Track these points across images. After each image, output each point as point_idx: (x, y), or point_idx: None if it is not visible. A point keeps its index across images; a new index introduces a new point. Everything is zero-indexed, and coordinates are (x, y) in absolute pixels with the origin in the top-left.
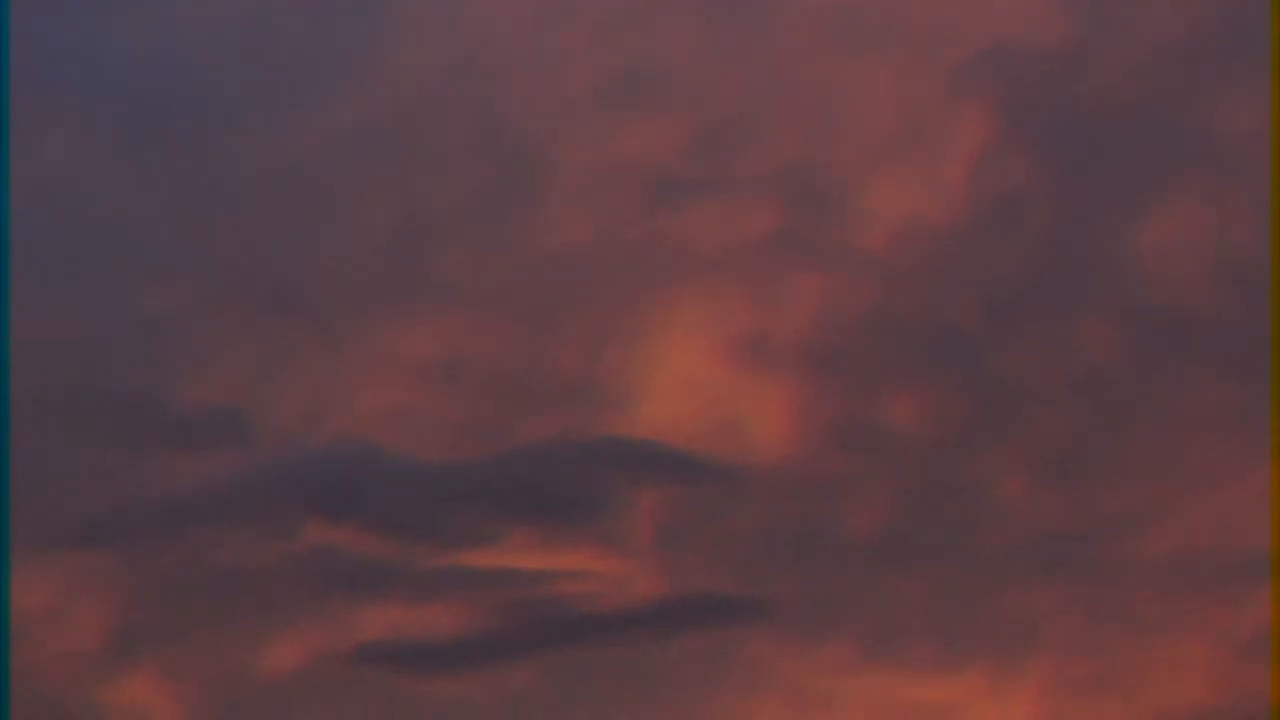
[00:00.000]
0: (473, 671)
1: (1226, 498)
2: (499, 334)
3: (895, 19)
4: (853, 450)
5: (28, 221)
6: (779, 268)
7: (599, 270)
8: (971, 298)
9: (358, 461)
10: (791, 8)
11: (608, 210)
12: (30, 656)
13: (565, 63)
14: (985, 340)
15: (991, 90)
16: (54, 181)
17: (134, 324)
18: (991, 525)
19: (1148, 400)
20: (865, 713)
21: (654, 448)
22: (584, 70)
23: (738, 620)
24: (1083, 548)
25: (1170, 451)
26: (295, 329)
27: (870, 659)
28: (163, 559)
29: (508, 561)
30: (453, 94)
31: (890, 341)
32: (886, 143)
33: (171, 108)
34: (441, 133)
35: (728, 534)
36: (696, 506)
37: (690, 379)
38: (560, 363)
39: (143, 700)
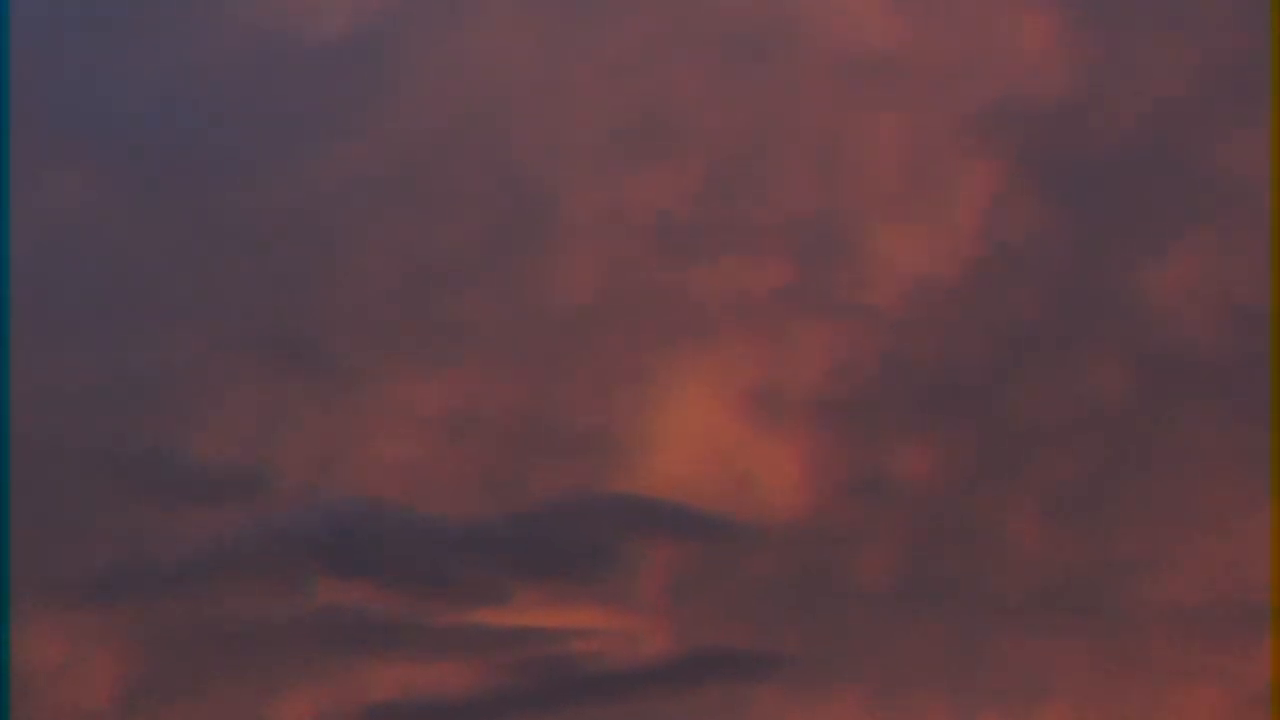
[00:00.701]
0: None
1: (1239, 542)
2: (509, 386)
3: (906, 68)
4: (864, 502)
5: (36, 270)
6: (790, 318)
7: (609, 321)
8: (983, 346)
9: (368, 518)
10: (803, 57)
11: (618, 260)
12: (39, 713)
13: (575, 110)
14: (996, 388)
15: (1002, 139)
16: (62, 230)
17: (143, 376)
18: (1002, 572)
19: (1160, 445)
20: None
21: (664, 504)
22: (594, 118)
23: (748, 675)
24: (1094, 594)
25: (1183, 496)
26: (306, 381)
27: (880, 710)
28: (172, 615)
29: (518, 620)
30: (461, 142)
31: (902, 391)
32: (897, 192)
33: (181, 155)
34: (451, 180)
35: (739, 589)
36: (707, 562)
37: (701, 432)
38: (570, 416)
39: None
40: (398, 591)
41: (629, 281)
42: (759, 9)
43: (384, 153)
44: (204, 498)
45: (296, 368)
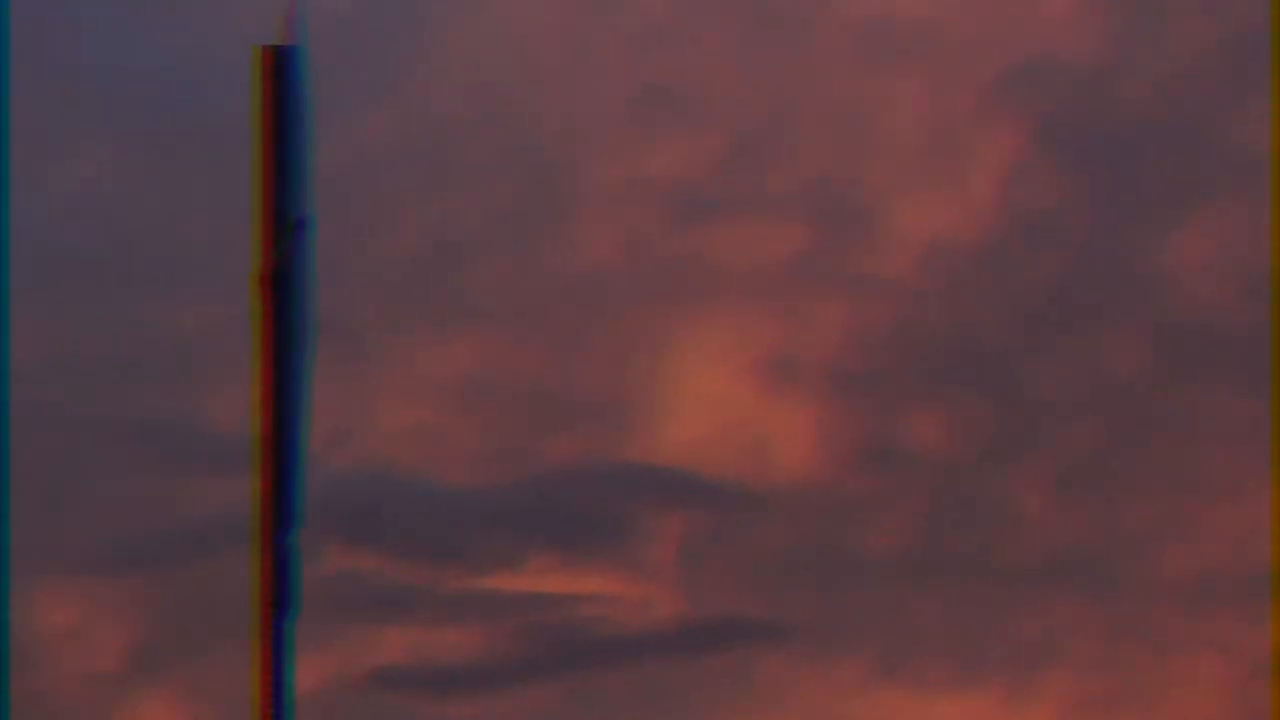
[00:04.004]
0: (492, 694)
1: (1249, 514)
2: (525, 354)
3: (927, 34)
4: (877, 470)
5: (57, 237)
6: (807, 287)
7: (625, 289)
8: (999, 316)
9: (380, 485)
10: (823, 22)
11: (635, 228)
12: (49, 677)
13: (595, 79)
14: (1012, 358)
15: (1023, 107)
16: (83, 197)
17: (159, 344)
18: (1012, 542)
19: (1172, 416)
20: None
21: (676, 472)
22: (614, 86)
23: (757, 642)
24: (1102, 565)
25: (1194, 468)
26: (321, 350)
27: (887, 677)
28: (183, 581)
29: (529, 585)
30: (482, 111)
31: (917, 361)
32: (916, 160)
33: (203, 123)
34: (469, 149)
35: (749, 556)
36: (718, 530)
37: (715, 400)
38: (585, 383)
39: None
40: (409, 558)
41: (646, 249)
42: None
43: (403, 123)
44: (218, 466)
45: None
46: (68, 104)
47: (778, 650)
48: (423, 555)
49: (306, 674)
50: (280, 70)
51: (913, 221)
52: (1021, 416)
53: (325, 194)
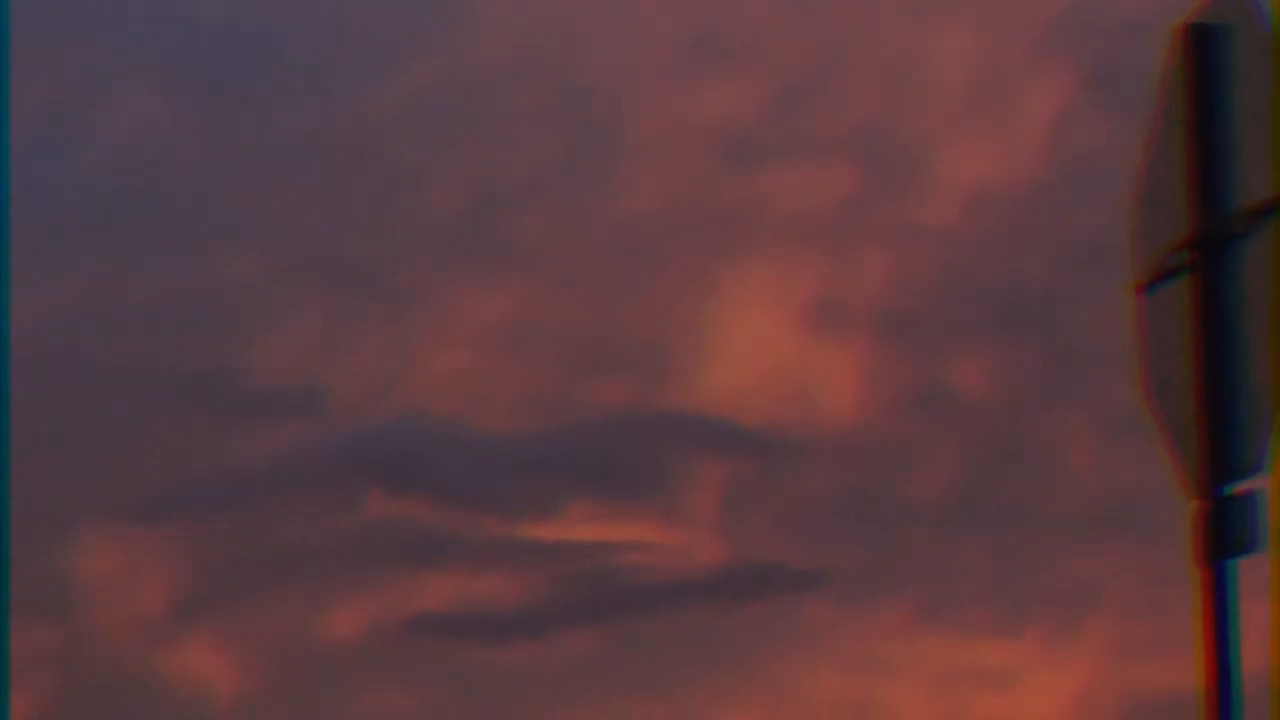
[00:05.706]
0: (532, 641)
1: None
2: (569, 300)
3: None
4: (921, 417)
5: (100, 186)
6: (853, 233)
7: (672, 235)
8: (1045, 262)
9: (422, 432)
10: None
11: (681, 173)
12: (92, 623)
13: (643, 24)
14: (1057, 305)
15: (1073, 53)
16: (126, 147)
17: (205, 293)
18: (1056, 488)
19: None
20: (922, 677)
21: (720, 419)
22: (662, 31)
23: (798, 589)
24: (1146, 510)
25: None
26: (365, 299)
27: (928, 624)
28: (226, 529)
29: (569, 533)
30: (528, 58)
31: (962, 308)
32: (965, 105)
33: (249, 72)
34: (516, 97)
35: (791, 503)
36: (761, 476)
37: (760, 346)
38: (629, 330)
39: (202, 666)
40: (449, 505)
41: (693, 195)
42: None
43: (451, 70)
44: (260, 415)
45: (358, 282)
46: (114, 52)
47: (819, 597)
48: (463, 502)
49: (349, 620)
50: (1203, 47)
51: (960, 167)
52: (1066, 363)
53: (372, 142)
